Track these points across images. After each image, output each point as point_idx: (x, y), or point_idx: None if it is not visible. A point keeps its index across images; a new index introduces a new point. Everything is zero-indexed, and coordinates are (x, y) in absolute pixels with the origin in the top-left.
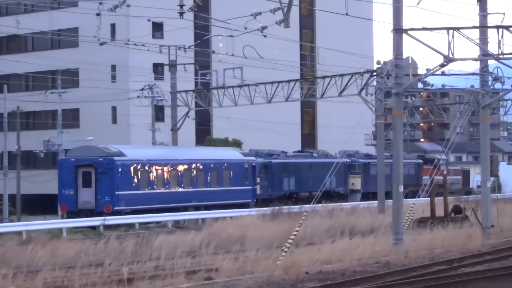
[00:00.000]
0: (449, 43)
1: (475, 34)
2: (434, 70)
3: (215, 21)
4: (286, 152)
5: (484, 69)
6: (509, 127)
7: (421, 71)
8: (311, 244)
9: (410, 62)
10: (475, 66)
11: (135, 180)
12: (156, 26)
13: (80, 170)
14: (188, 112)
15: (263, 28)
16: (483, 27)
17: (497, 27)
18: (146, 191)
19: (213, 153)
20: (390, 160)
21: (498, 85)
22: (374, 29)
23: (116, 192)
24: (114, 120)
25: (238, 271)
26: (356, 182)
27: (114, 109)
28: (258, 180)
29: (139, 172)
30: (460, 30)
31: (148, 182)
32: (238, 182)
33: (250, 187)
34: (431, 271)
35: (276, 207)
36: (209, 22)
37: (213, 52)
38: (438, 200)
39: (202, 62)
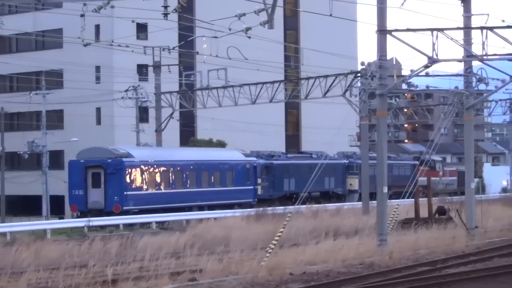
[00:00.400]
0: (433, 44)
1: (459, 35)
2: (418, 71)
3: (199, 22)
4: (286, 154)
5: (468, 70)
6: (493, 128)
7: (405, 72)
8: (295, 245)
9: (394, 63)
10: (459, 67)
11: (143, 180)
12: (140, 27)
13: (90, 171)
14: (173, 113)
15: (247, 29)
16: (467, 28)
17: (481, 28)
18: (153, 191)
19: (216, 154)
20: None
21: (482, 86)
22: (358, 30)
23: (125, 193)
24: (99, 121)
25: (223, 272)
26: (354, 183)
27: (98, 110)
28: (259, 180)
29: (146, 173)
30: (444, 31)
31: (155, 183)
32: (240, 182)
33: (252, 187)
34: (415, 272)
35: (261, 208)
36: (193, 23)
37: (197, 53)
38: (423, 201)
39: (186, 63)
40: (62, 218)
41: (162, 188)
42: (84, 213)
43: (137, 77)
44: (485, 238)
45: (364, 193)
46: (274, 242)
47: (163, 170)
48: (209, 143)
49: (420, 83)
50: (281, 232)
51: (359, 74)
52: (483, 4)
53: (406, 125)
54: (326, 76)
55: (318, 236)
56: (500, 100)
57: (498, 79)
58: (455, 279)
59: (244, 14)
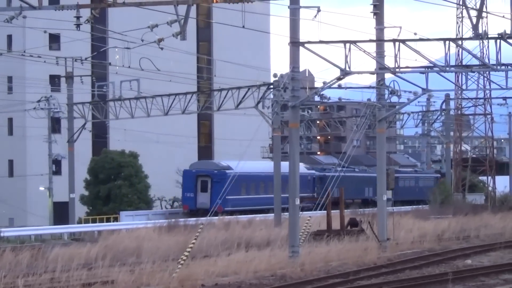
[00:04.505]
0: (346, 57)
1: (372, 47)
2: (331, 83)
3: (112, 33)
4: (334, 166)
5: (380, 83)
6: (405, 140)
7: (318, 84)
8: (207, 256)
9: (307, 75)
10: (372, 80)
11: (239, 187)
12: (53, 37)
13: (199, 179)
14: (85, 124)
15: (160, 40)
16: (379, 41)
17: (394, 40)
18: (245, 196)
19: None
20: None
21: (394, 99)
22: (271, 42)
23: (226, 197)
24: (10, 132)
25: (134, 283)
26: (388, 192)
27: (10, 120)
28: (316, 188)
29: (241, 182)
30: (357, 44)
31: (246, 189)
32: (303, 190)
33: (311, 194)
34: (327, 284)
35: (173, 220)
36: (106, 34)
37: (110, 64)
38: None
39: (99, 74)
40: None
41: (251, 193)
42: (193, 211)
43: (49, 88)
44: (396, 250)
45: (277, 205)
46: (186, 253)
47: (252, 180)
48: (121, 155)
49: (333, 95)
50: (193, 243)
51: (271, 86)
52: (395, 17)
53: (318, 137)
54: (238, 88)
55: (230, 247)
56: (412, 112)
57: (410, 92)
58: None
59: (156, 25)
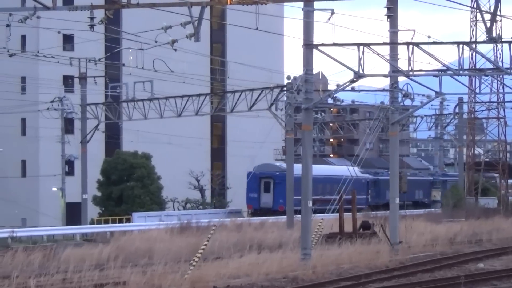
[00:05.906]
0: (360, 59)
1: (386, 50)
2: (344, 85)
3: (125, 34)
4: (387, 171)
5: (394, 86)
6: (418, 143)
7: (331, 86)
8: (219, 258)
9: (320, 77)
10: (385, 83)
11: (299, 188)
12: (67, 38)
13: (262, 180)
14: (98, 125)
15: (173, 41)
16: (393, 44)
17: (407, 43)
18: None
19: (342, 170)
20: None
21: (407, 102)
22: (285, 44)
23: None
24: (24, 132)
25: (146, 284)
26: (437, 195)
27: (23, 121)
28: (369, 191)
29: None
30: (371, 46)
31: None
32: (358, 192)
33: (365, 196)
34: (339, 286)
35: (185, 221)
36: (119, 35)
37: (123, 65)
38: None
39: (112, 75)
40: None
41: None
42: (257, 211)
43: (62, 88)
44: (408, 253)
45: (289, 207)
46: (198, 255)
47: None
48: (134, 156)
49: (346, 97)
50: (205, 245)
51: (285, 88)
52: (408, 20)
53: (331, 140)
54: (252, 90)
55: (242, 249)
56: (425, 115)
57: (423, 95)
58: None
59: (170, 27)
